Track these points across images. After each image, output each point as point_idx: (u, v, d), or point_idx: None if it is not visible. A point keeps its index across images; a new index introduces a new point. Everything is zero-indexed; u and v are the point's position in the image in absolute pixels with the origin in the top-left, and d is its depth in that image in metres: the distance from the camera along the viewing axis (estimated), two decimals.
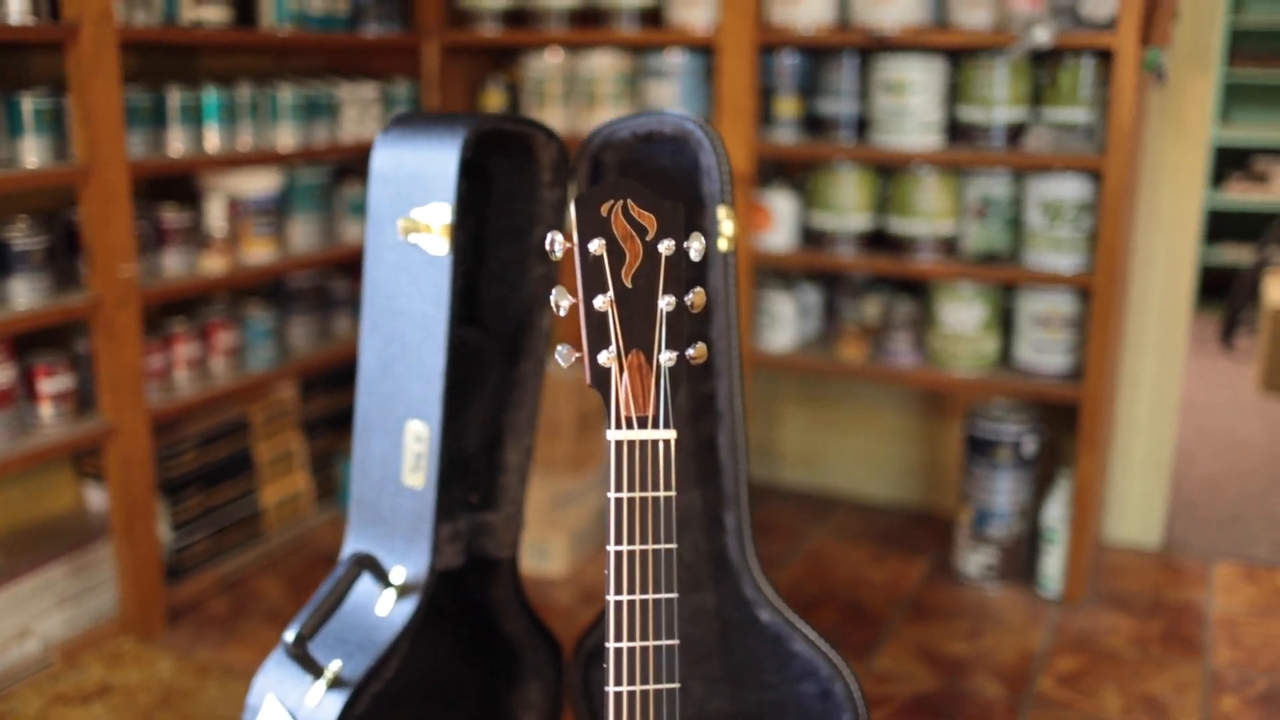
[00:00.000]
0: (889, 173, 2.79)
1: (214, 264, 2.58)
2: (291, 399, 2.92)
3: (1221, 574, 2.86)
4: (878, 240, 2.84)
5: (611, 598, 0.98)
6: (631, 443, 0.97)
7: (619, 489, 0.99)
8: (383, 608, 1.36)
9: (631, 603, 0.97)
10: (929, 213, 2.73)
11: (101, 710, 2.22)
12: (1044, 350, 2.68)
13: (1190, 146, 2.74)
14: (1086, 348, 2.58)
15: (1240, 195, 5.52)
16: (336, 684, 1.30)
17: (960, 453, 2.85)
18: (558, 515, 2.76)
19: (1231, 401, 4.32)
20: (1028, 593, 2.73)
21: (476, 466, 1.44)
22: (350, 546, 1.38)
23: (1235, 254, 5.53)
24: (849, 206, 2.79)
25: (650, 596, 0.97)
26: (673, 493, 1.00)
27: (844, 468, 3.23)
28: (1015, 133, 2.64)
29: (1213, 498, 3.35)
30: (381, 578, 1.35)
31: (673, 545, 1.00)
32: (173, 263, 2.53)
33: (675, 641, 0.98)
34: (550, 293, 1.46)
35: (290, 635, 1.26)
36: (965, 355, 2.75)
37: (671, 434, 0.99)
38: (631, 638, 0.96)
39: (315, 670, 1.29)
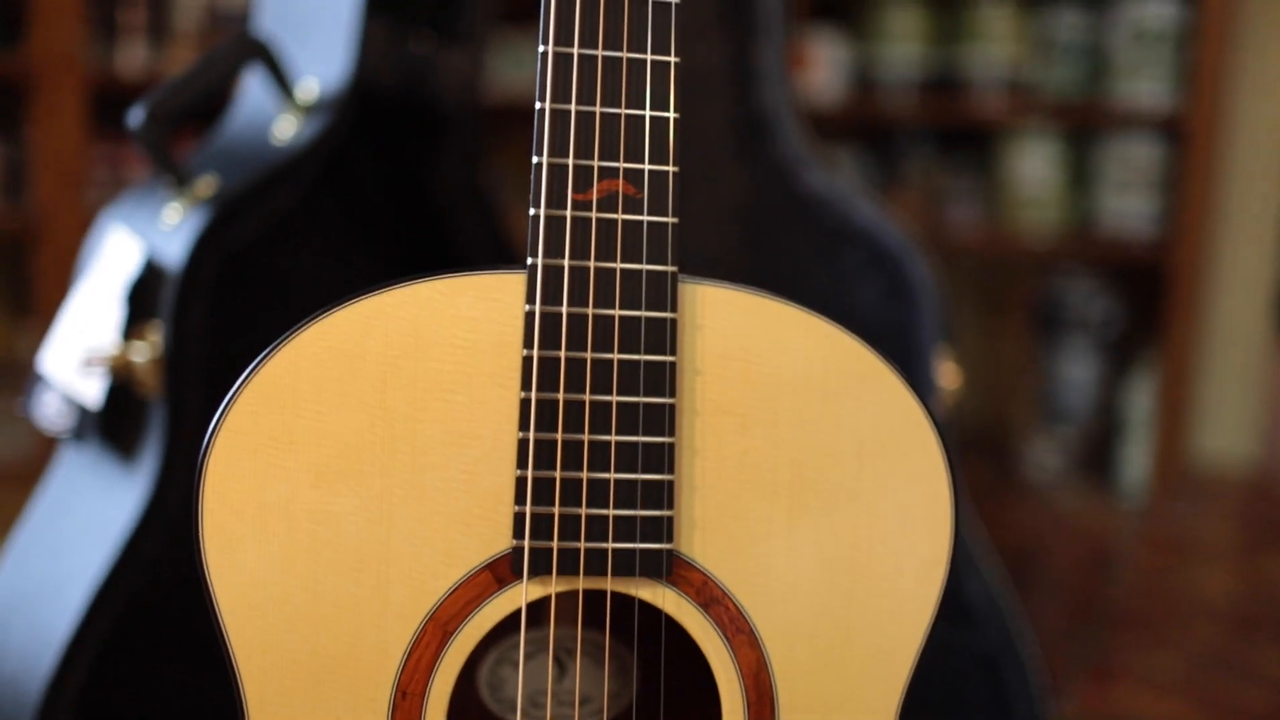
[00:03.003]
0: (950, 5, 2.46)
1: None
2: None
3: None
4: (937, 88, 2.49)
5: (548, 106, 0.52)
6: None
7: None
8: (282, 130, 1.00)
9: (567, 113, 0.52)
10: (996, 42, 2.38)
11: None
12: (1128, 210, 2.31)
13: None
14: (1179, 203, 2.20)
15: None
16: (207, 201, 0.93)
17: (1025, 333, 2.46)
18: None
19: None
20: (1104, 493, 2.31)
21: None
22: None
23: None
24: (904, 36, 2.44)
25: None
26: None
27: None
28: None
29: None
30: (282, 86, 0.99)
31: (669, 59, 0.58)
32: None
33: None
34: None
35: (137, 113, 0.89)
36: (1037, 217, 2.37)
37: None
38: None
39: (174, 173, 0.93)
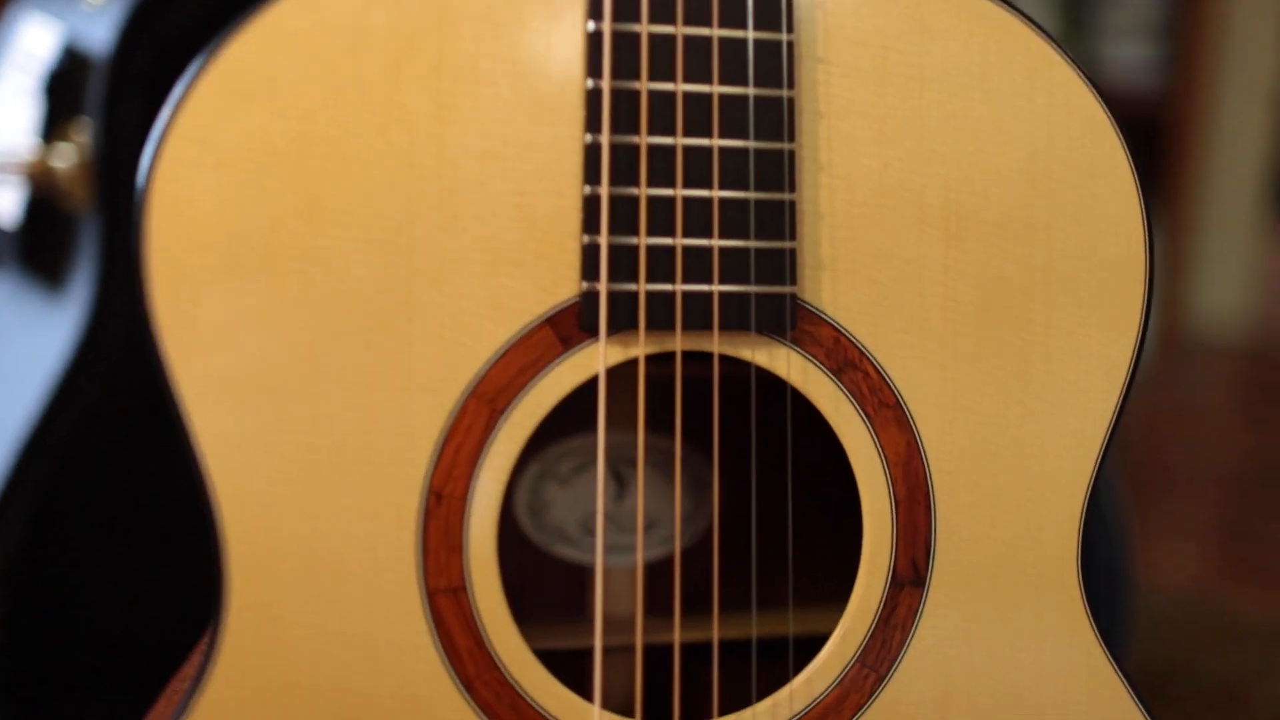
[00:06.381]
0: None
1: None
2: None
3: None
4: None
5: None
6: None
7: None
8: None
9: None
10: None
11: None
12: (1128, 58, 2.19)
13: None
14: (1181, 50, 2.08)
15: None
16: None
17: None
18: None
19: None
20: None
21: None
22: None
23: None
24: None
25: None
26: None
27: None
28: None
29: None
30: None
31: None
32: None
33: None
34: None
35: None
36: None
37: None
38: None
39: None
